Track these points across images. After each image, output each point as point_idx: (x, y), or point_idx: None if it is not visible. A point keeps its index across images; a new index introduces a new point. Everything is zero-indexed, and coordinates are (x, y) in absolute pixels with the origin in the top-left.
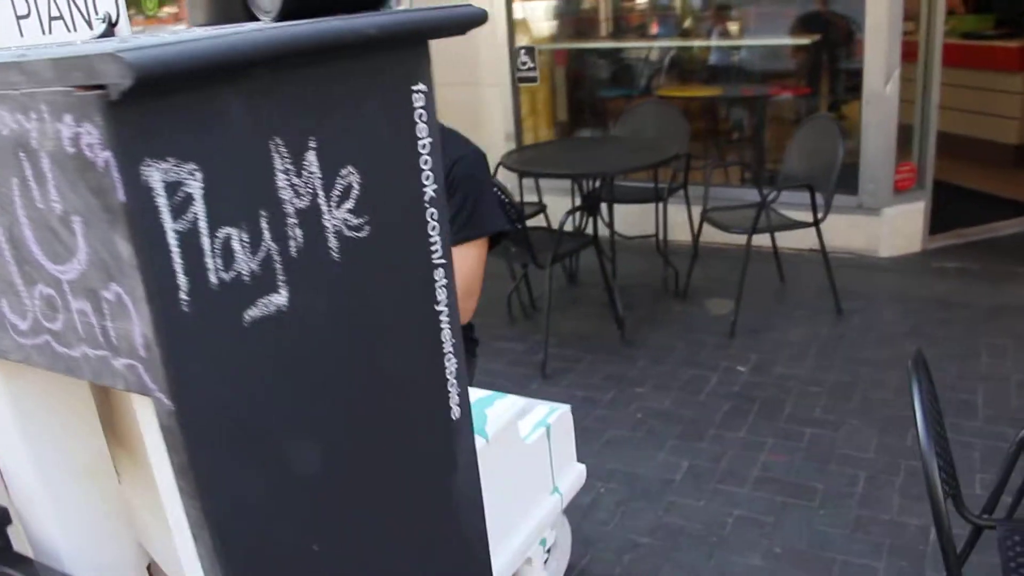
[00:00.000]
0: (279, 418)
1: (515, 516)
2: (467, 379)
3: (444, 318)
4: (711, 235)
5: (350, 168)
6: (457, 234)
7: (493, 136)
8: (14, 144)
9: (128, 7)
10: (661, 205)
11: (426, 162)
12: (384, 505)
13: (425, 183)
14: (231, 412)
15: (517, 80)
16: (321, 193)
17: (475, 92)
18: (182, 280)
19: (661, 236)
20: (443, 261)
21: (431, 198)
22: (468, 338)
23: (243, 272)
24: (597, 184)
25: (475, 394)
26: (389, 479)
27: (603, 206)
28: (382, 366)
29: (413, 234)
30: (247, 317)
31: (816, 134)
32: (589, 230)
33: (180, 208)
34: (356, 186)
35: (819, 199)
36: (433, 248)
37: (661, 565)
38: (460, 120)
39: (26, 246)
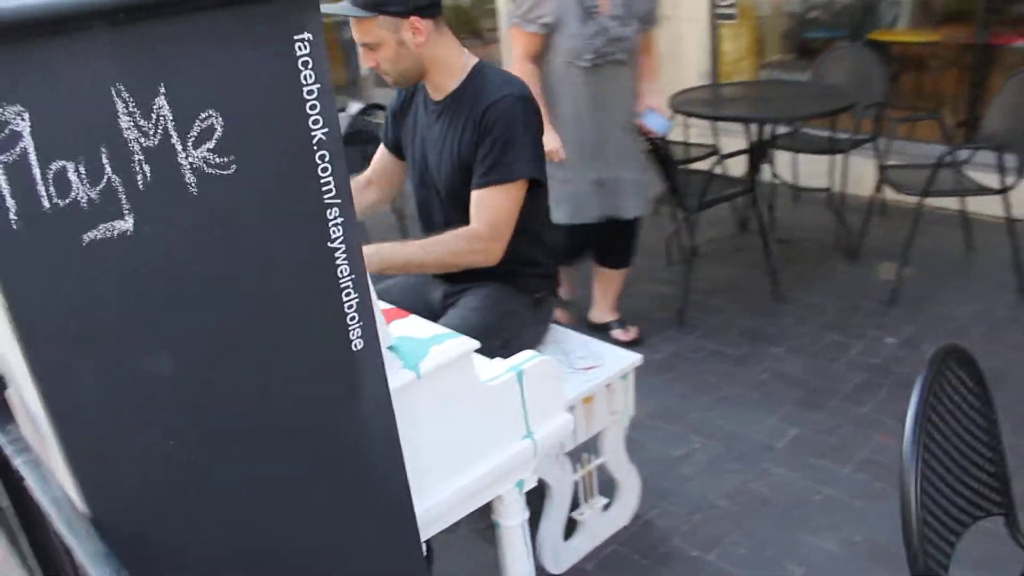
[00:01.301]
0: (124, 327)
1: (470, 452)
2: (371, 314)
3: (340, 254)
4: (899, 193)
5: (210, 111)
6: (482, 178)
7: (686, 72)
8: None
9: None
10: (841, 156)
11: (313, 107)
12: (262, 416)
13: (313, 127)
14: (70, 318)
15: (715, 16)
16: (174, 134)
17: (674, 25)
18: (10, 203)
19: (838, 189)
20: (338, 200)
21: (320, 140)
22: (540, 276)
23: (80, 200)
24: (768, 130)
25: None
26: (268, 395)
27: (777, 154)
28: (255, 291)
29: (298, 174)
30: (86, 238)
31: (1021, 89)
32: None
33: (6, 144)
34: (219, 128)
35: (1013, 162)
36: (325, 187)
37: (728, 531)
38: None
39: None
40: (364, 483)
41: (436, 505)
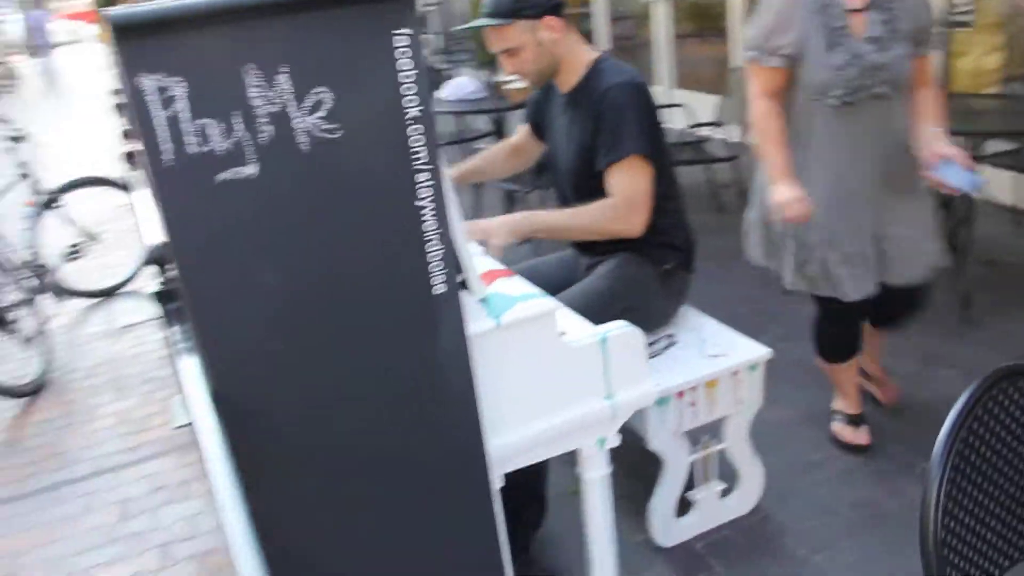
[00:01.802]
0: (243, 246)
1: (547, 402)
2: (466, 258)
3: (428, 212)
4: None
5: (322, 88)
6: (603, 160)
7: None
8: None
9: None
10: None
11: (409, 88)
12: (351, 331)
13: (407, 105)
14: (209, 241)
15: (949, 23)
16: (292, 104)
17: None
18: (167, 148)
19: None
20: (429, 166)
21: (414, 116)
22: (668, 247)
23: (216, 149)
24: (983, 146)
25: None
26: (358, 314)
27: (998, 172)
28: (349, 230)
29: (392, 142)
30: (218, 177)
31: None
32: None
33: (166, 103)
34: (328, 101)
35: None
36: (415, 155)
37: (842, 538)
38: None
39: None
40: (437, 403)
41: (511, 443)
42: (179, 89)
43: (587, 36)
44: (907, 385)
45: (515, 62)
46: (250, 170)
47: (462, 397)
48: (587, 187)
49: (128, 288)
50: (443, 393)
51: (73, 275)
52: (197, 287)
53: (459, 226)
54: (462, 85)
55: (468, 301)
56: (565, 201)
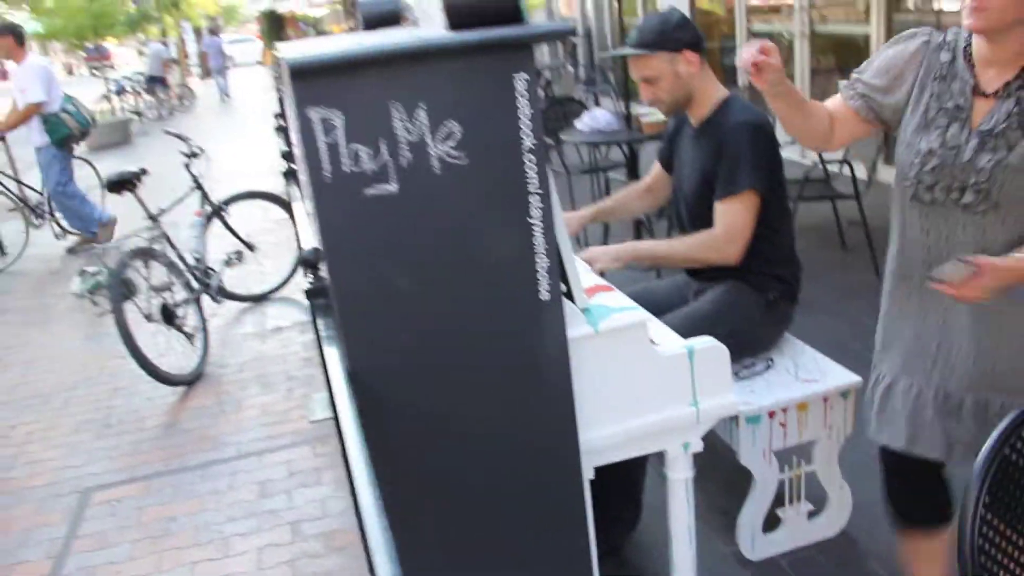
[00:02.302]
0: (382, 251)
1: (637, 404)
2: (572, 273)
3: (537, 229)
4: None
5: (452, 123)
6: (719, 192)
7: None
8: (287, 92)
9: None
10: None
11: (525, 124)
12: (469, 325)
13: (523, 137)
14: (355, 244)
15: None
16: (429, 135)
17: None
18: (326, 167)
19: None
20: (539, 191)
21: (530, 148)
22: (774, 278)
23: (366, 169)
24: None
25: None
26: (481, 308)
27: None
28: (471, 241)
29: (510, 169)
30: (366, 192)
31: None
32: None
33: (326, 131)
34: (458, 132)
35: None
36: (529, 181)
37: None
38: None
39: None
40: (538, 396)
41: (602, 438)
42: (338, 120)
43: (731, 74)
44: None
45: (653, 90)
46: (392, 187)
47: (560, 392)
48: (704, 215)
49: (279, 294)
50: (544, 387)
51: (231, 279)
52: (342, 283)
53: (566, 243)
54: (597, 117)
55: (571, 309)
56: (682, 227)
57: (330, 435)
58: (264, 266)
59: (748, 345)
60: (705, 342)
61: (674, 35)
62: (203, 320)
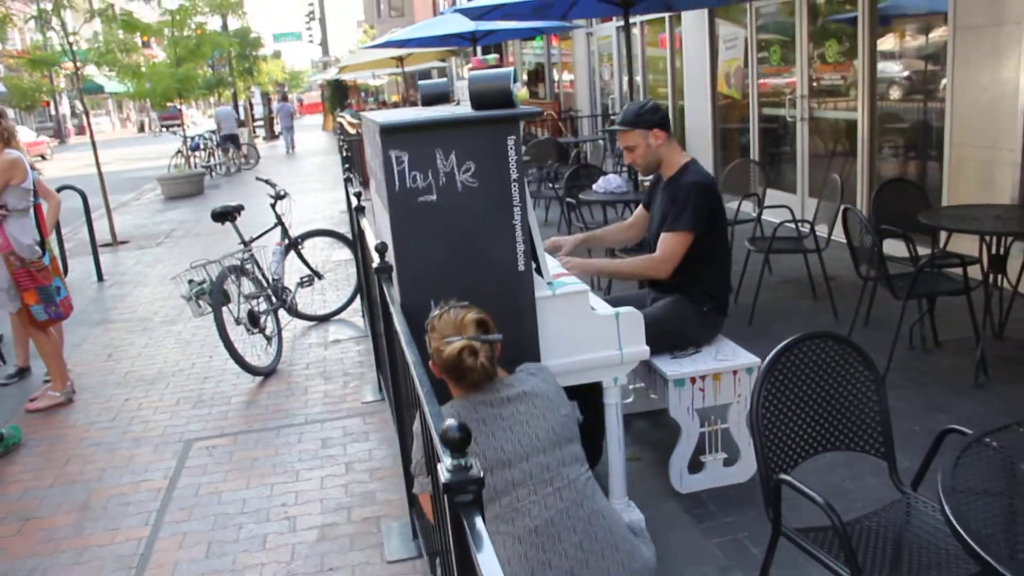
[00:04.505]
0: (426, 237)
1: (581, 345)
2: (542, 259)
3: (517, 227)
4: None
5: (470, 162)
6: (666, 226)
7: (1000, 196)
8: (372, 138)
9: None
10: None
11: (513, 165)
12: (478, 283)
13: (511, 172)
14: (413, 231)
15: None
16: (456, 169)
17: (992, 155)
18: (396, 183)
19: None
20: (519, 205)
21: (514, 179)
22: (708, 295)
23: (419, 186)
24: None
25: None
26: (483, 273)
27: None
28: (481, 234)
29: (503, 190)
30: (418, 200)
31: None
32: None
33: (398, 163)
34: (473, 167)
35: None
36: (513, 198)
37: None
38: (975, 181)
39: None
40: (515, 335)
41: (557, 366)
42: (405, 157)
43: (745, 149)
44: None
45: (632, 156)
46: (433, 197)
47: (530, 331)
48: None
49: (339, 317)
50: (520, 327)
51: (302, 300)
52: (403, 253)
53: (539, 238)
54: (610, 180)
55: (539, 280)
56: (652, 251)
57: (377, 412)
58: (327, 295)
59: (686, 340)
60: (627, 311)
61: (646, 117)
62: (279, 327)
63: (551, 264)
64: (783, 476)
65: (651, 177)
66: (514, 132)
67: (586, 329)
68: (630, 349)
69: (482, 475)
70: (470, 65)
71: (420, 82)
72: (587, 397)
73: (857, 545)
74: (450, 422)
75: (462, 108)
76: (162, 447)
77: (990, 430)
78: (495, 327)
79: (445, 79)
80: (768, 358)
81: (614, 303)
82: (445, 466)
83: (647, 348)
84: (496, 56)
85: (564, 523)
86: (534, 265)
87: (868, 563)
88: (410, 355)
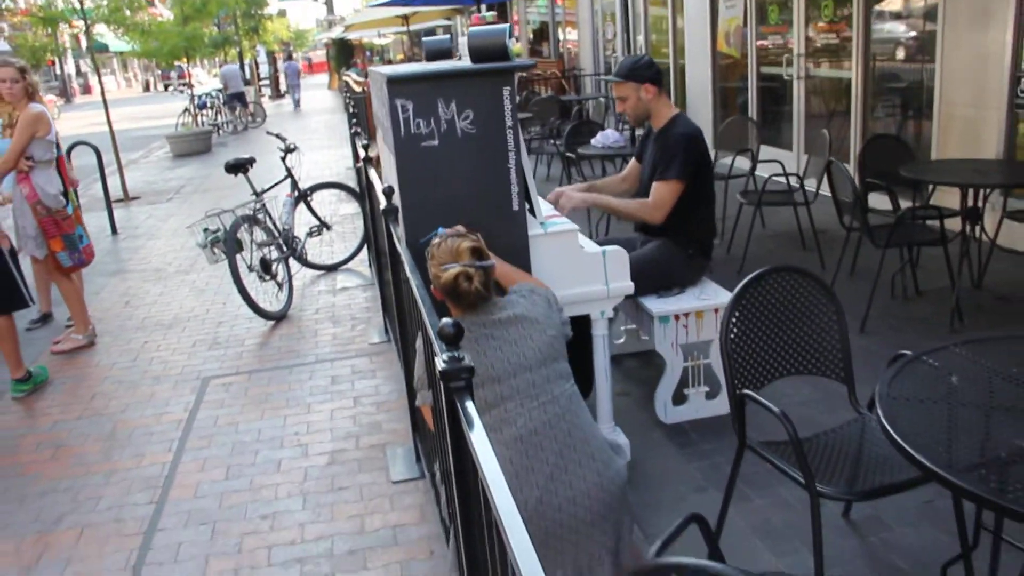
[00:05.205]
0: (428, 178)
1: (572, 280)
2: (535, 200)
3: (512, 171)
4: None
5: (469, 110)
6: (657, 175)
7: (985, 152)
8: (379, 90)
9: None
10: None
11: (508, 113)
12: (478, 215)
13: (506, 120)
14: (417, 174)
15: (1015, 106)
16: (456, 116)
17: (979, 113)
18: (402, 130)
19: None
20: (513, 150)
21: (509, 126)
22: (692, 239)
23: (423, 132)
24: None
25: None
26: (481, 213)
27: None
28: (479, 176)
29: (499, 137)
30: (421, 144)
31: None
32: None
33: (404, 111)
34: (471, 115)
35: None
36: (508, 143)
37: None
38: (963, 137)
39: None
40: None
41: None
42: (409, 106)
43: (744, 107)
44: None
45: (623, 106)
46: (435, 143)
47: (523, 268)
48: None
49: (346, 267)
50: (514, 264)
51: (311, 250)
52: (407, 194)
53: (532, 180)
54: (608, 135)
55: (531, 219)
56: (641, 196)
57: (383, 352)
58: (335, 247)
59: (672, 281)
60: (613, 249)
61: (639, 72)
62: (289, 275)
63: (543, 206)
64: (745, 391)
65: (643, 130)
66: (509, 83)
67: (575, 265)
68: (616, 284)
69: (472, 365)
70: (470, 22)
71: (424, 39)
72: (578, 333)
73: (813, 456)
74: (445, 320)
75: (463, 62)
76: (181, 384)
77: (930, 350)
78: (489, 254)
79: (448, 36)
80: (738, 287)
81: (605, 244)
82: (442, 358)
83: (631, 284)
84: (495, 14)
85: (546, 433)
86: (528, 206)
87: (821, 470)
88: (414, 281)
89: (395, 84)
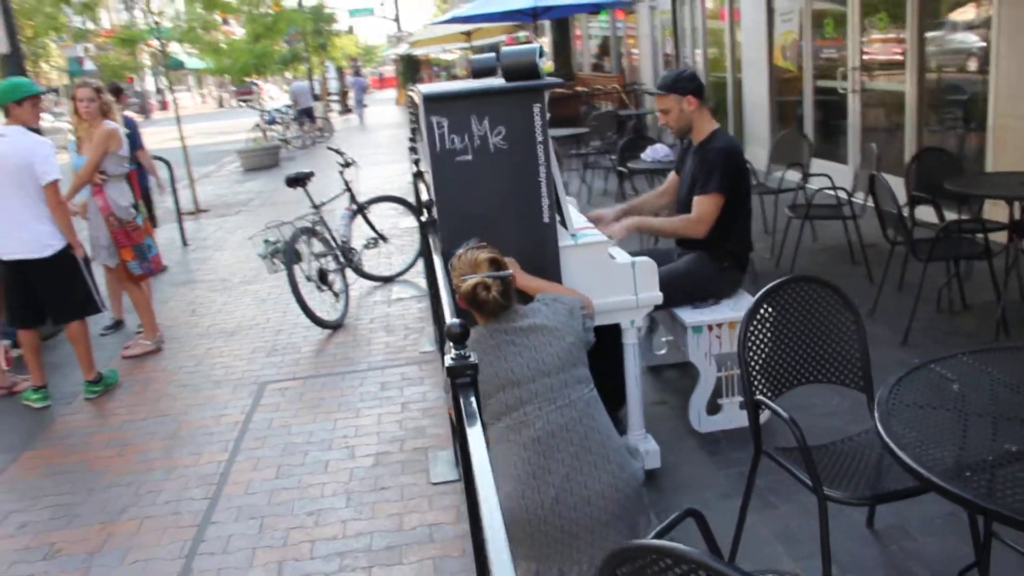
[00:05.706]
0: (466, 194)
1: (601, 290)
2: (566, 212)
3: (543, 184)
4: None
5: (501, 127)
6: (698, 190)
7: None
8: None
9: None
10: None
11: (539, 129)
12: (509, 230)
13: (538, 136)
14: (452, 188)
15: None
16: (489, 132)
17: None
18: (437, 146)
19: None
20: (543, 164)
21: (540, 141)
22: (728, 252)
23: (457, 147)
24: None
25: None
26: (513, 225)
27: None
28: (511, 190)
29: (530, 152)
30: (456, 159)
31: None
32: None
33: (439, 128)
34: (503, 131)
35: None
36: (539, 158)
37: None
38: (1017, 150)
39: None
40: (541, 276)
41: None
42: (444, 122)
43: (800, 120)
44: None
45: (665, 118)
46: (470, 158)
47: (554, 278)
48: (692, 206)
49: (402, 279)
50: (545, 274)
51: (369, 262)
52: (444, 207)
53: (563, 193)
54: (658, 150)
55: (563, 231)
56: (680, 212)
57: (432, 360)
58: (392, 259)
59: (707, 292)
60: (642, 260)
61: (682, 84)
62: (346, 285)
63: (574, 217)
64: (758, 397)
65: (683, 144)
66: (539, 100)
67: (605, 275)
68: (645, 294)
69: (477, 363)
70: (504, 40)
71: (472, 56)
72: (613, 345)
73: (826, 463)
74: (453, 320)
75: (496, 80)
76: (239, 388)
77: (938, 358)
78: (506, 264)
79: (493, 54)
80: (755, 297)
81: (641, 255)
82: (450, 356)
83: (660, 294)
84: (528, 34)
85: (563, 436)
86: (559, 218)
87: (832, 475)
88: (444, 289)
89: (431, 102)
